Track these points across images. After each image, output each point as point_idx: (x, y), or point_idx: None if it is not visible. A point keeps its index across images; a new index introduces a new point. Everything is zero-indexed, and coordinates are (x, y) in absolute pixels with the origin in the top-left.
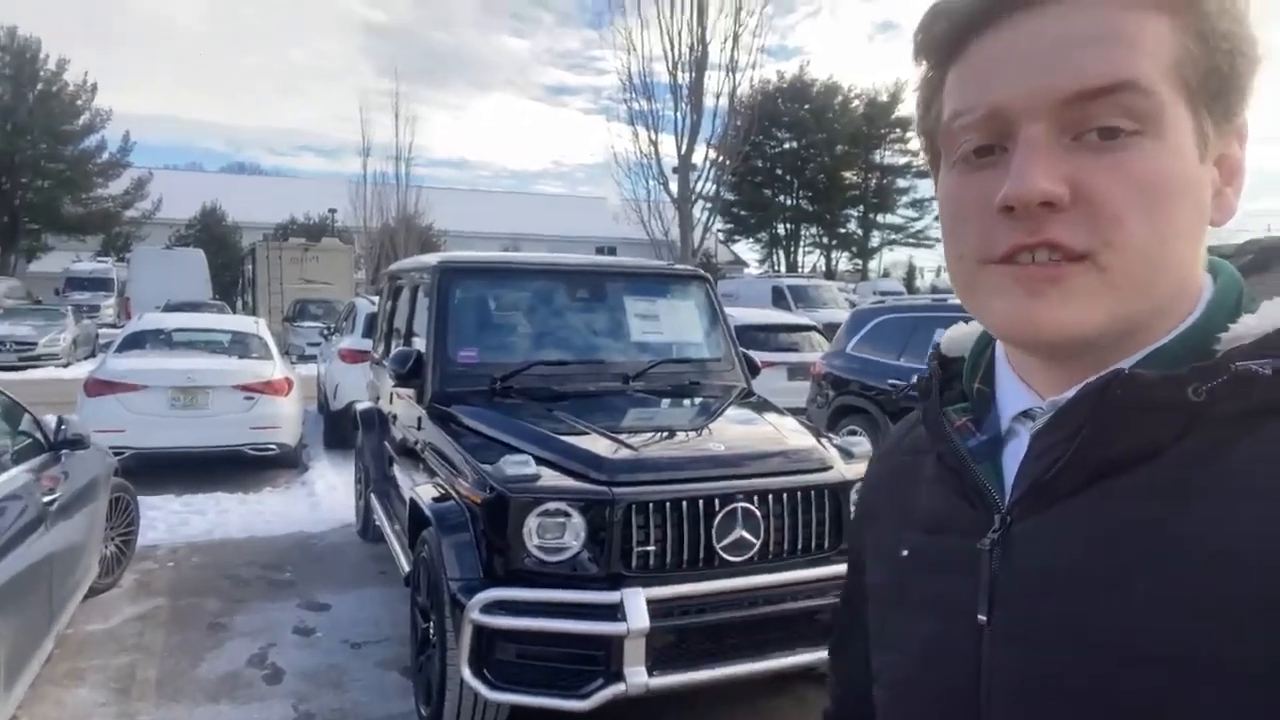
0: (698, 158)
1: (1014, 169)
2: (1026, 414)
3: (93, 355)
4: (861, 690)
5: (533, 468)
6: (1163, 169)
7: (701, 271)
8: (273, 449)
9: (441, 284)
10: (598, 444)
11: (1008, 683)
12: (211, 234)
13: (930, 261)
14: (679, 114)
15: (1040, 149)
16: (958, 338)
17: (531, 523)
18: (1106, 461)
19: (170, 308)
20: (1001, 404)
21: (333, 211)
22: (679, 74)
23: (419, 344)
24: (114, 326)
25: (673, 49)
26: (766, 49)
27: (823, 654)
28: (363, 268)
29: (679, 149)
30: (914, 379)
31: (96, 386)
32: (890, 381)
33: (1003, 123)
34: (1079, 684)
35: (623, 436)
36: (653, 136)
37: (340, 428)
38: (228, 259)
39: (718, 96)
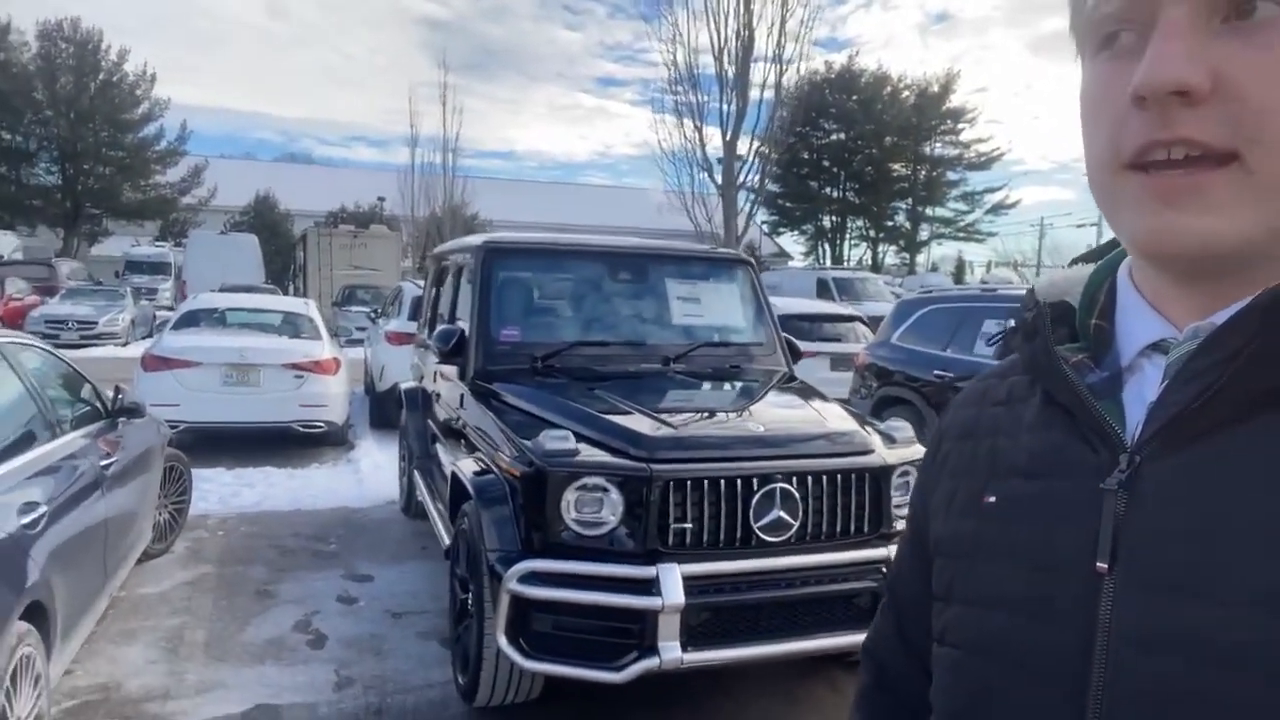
0: (742, 148)
1: (1148, 54)
2: (1157, 346)
3: (150, 335)
4: (913, 649)
5: (572, 442)
6: None
7: (744, 255)
8: (320, 426)
9: (485, 263)
10: (637, 421)
11: (1134, 636)
12: (264, 220)
13: (980, 256)
14: (724, 103)
15: (1179, 31)
16: (1057, 280)
17: (569, 496)
18: (1271, 391)
19: (224, 290)
20: (1124, 338)
21: (381, 200)
22: (725, 63)
23: (462, 324)
24: (170, 308)
25: (719, 36)
26: (817, 40)
27: (858, 637)
28: (409, 255)
29: (724, 137)
30: (1008, 324)
31: (153, 362)
32: (935, 372)
33: (1143, 8)
34: (1226, 640)
35: (663, 415)
36: (698, 124)
37: (385, 408)
38: (280, 245)
39: (763, 86)
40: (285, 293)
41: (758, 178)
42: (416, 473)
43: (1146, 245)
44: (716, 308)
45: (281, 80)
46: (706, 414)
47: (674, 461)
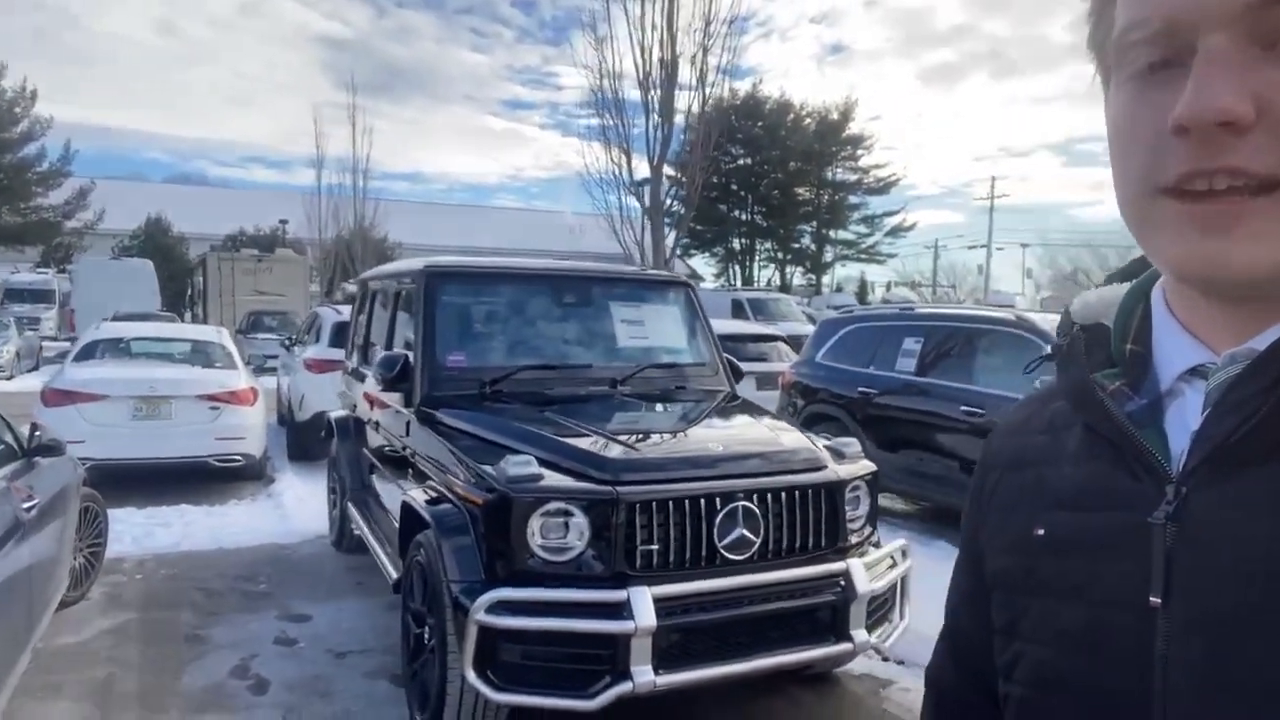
0: (667, 172)
1: (1191, 84)
2: (1195, 371)
3: (36, 368)
4: (969, 677)
5: (535, 468)
6: None
7: (685, 278)
8: (238, 460)
9: (429, 287)
10: (598, 444)
11: (1193, 672)
12: (156, 244)
13: (881, 276)
14: (649, 127)
15: (1221, 61)
16: (1091, 302)
17: (535, 523)
18: None
19: (118, 319)
20: (1161, 363)
21: (284, 223)
22: (650, 90)
23: (404, 350)
24: (54, 339)
25: (644, 63)
26: (722, 68)
27: (819, 651)
28: (317, 279)
29: (651, 162)
30: (1046, 350)
31: (55, 396)
32: (860, 389)
33: (1181, 35)
34: None
35: (622, 438)
36: (625, 149)
37: (305, 439)
38: (174, 270)
39: (687, 113)
40: (182, 320)
41: (680, 204)
42: (351, 505)
43: (1185, 272)
44: (659, 329)
45: (172, 99)
46: (664, 435)
47: (639, 483)
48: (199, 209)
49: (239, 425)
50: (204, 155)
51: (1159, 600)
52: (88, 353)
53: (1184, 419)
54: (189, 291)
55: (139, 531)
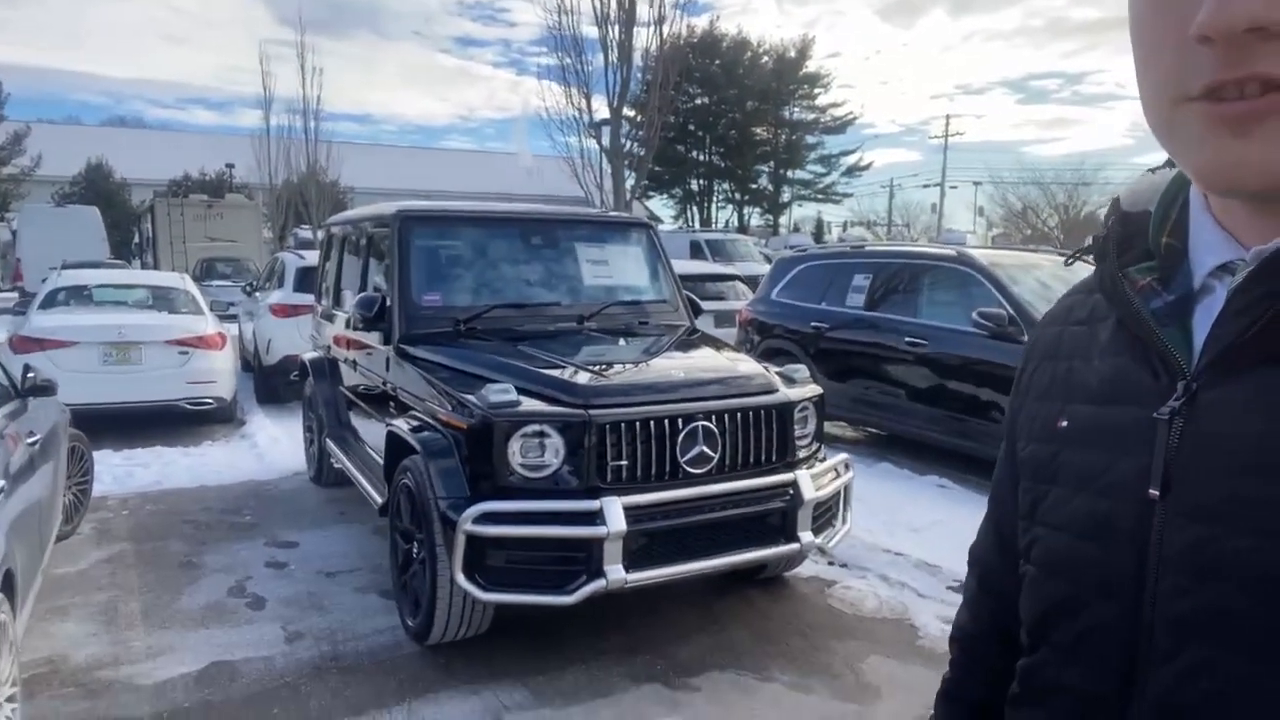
0: (625, 113)
1: None
2: (1225, 268)
3: None
4: (1013, 556)
5: (514, 394)
6: None
7: (646, 220)
8: (209, 403)
9: (403, 231)
10: (570, 373)
11: (1181, 564)
12: (98, 190)
13: (837, 216)
14: (608, 67)
15: None
16: (1141, 190)
17: (515, 444)
18: None
19: (68, 268)
20: (1195, 258)
21: (230, 167)
22: (608, 27)
23: (378, 292)
24: None
25: (602, 2)
26: (680, 3)
27: (769, 551)
28: (269, 225)
29: (610, 103)
30: (1088, 240)
31: (23, 344)
32: (813, 324)
33: None
34: (1266, 566)
35: (591, 366)
36: (584, 90)
37: (272, 383)
38: (117, 217)
39: (645, 51)
40: (131, 268)
41: (639, 145)
42: (329, 441)
43: (1212, 177)
44: (623, 269)
45: (103, 36)
46: (629, 364)
47: (609, 406)
48: (140, 153)
49: (209, 369)
50: (141, 96)
51: (1156, 493)
52: (51, 300)
53: (1210, 316)
54: (136, 238)
55: (119, 472)
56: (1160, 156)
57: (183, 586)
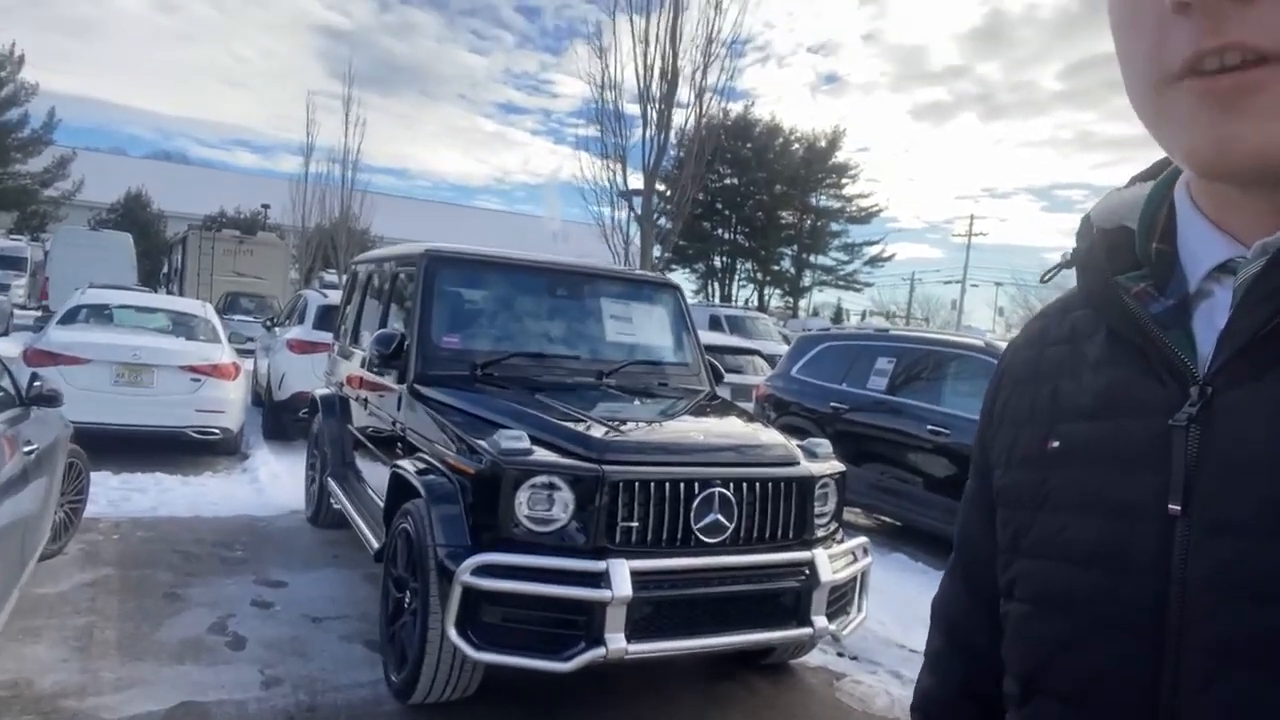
0: (658, 185)
1: None
2: (1224, 267)
3: (6, 333)
4: (985, 605)
5: (526, 442)
6: None
7: (673, 281)
8: (215, 434)
9: (429, 271)
10: (586, 426)
11: (1212, 580)
12: (134, 219)
13: (857, 304)
14: (645, 139)
15: None
16: (1114, 205)
17: (523, 494)
18: None
19: (94, 288)
20: (1188, 261)
21: (265, 207)
22: (649, 103)
23: (391, 329)
24: (24, 307)
25: (645, 76)
26: (718, 88)
27: (780, 634)
28: (296, 266)
29: (645, 171)
30: (1062, 256)
31: (38, 357)
32: (831, 404)
33: None
34: None
35: (608, 422)
36: (622, 157)
37: (280, 418)
38: (149, 246)
39: (680, 129)
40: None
41: (668, 218)
42: (331, 480)
43: (1205, 159)
44: (646, 328)
45: (161, 75)
46: (648, 423)
47: (624, 463)
48: (179, 188)
49: (219, 399)
50: (187, 134)
51: (1178, 508)
52: (71, 316)
53: (1212, 319)
54: (165, 268)
55: (115, 495)
56: None
57: (163, 618)
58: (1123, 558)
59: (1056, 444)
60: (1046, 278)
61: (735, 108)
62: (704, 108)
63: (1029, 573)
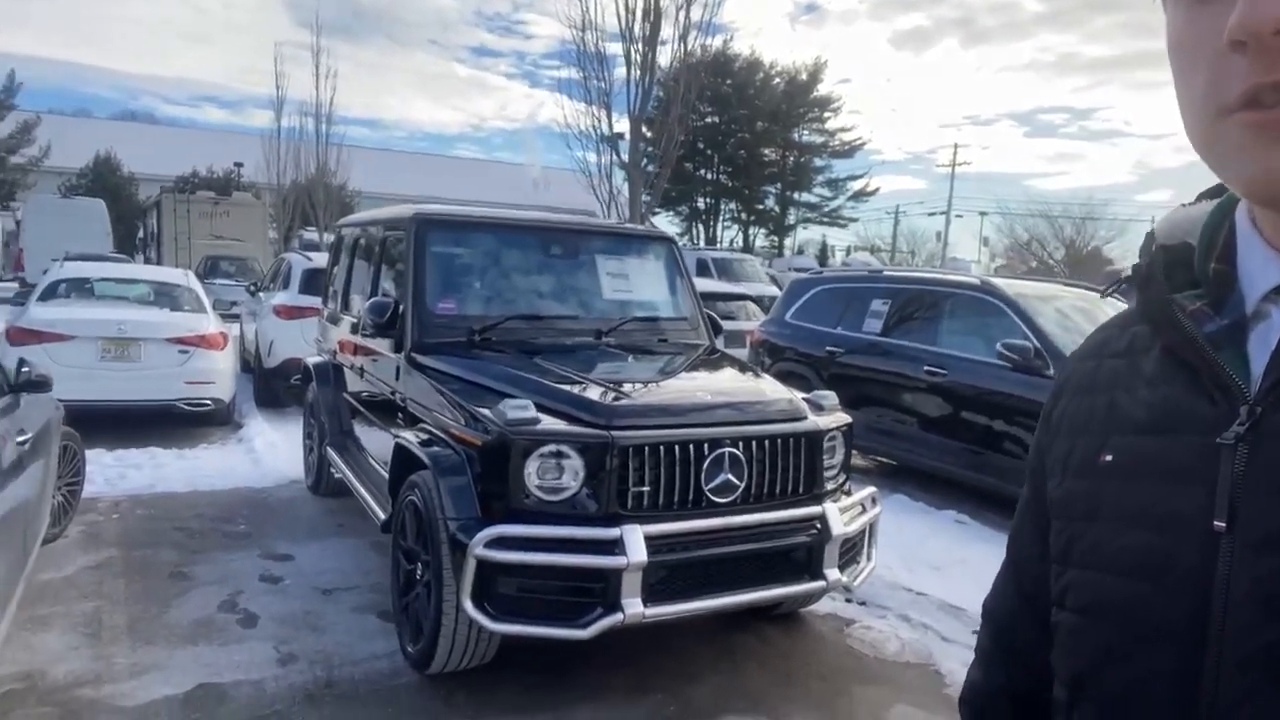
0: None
1: None
2: None
3: None
4: (1034, 609)
5: (533, 411)
6: None
7: (668, 234)
8: (207, 404)
9: (419, 235)
10: (591, 390)
11: (1255, 597)
12: (105, 184)
13: (842, 240)
14: (630, 82)
15: None
16: (1178, 220)
17: (532, 464)
18: None
19: (70, 259)
20: (1246, 282)
21: (239, 165)
22: (631, 44)
23: (390, 297)
24: None
25: (627, 16)
26: (701, 24)
27: (794, 589)
28: (274, 225)
29: (630, 116)
30: (1125, 271)
31: (20, 335)
32: (827, 348)
33: None
34: None
35: (613, 385)
36: (606, 102)
37: (272, 386)
38: (122, 211)
39: (665, 68)
40: (133, 262)
41: (654, 162)
42: (331, 450)
43: (1260, 188)
44: (642, 284)
45: (122, 32)
46: (653, 384)
47: (633, 428)
48: (149, 148)
49: (209, 369)
50: (153, 92)
51: (1223, 525)
52: (51, 291)
53: (1268, 340)
54: (140, 233)
55: (111, 473)
56: (1160, 192)
57: (171, 599)
58: (1168, 570)
59: (1110, 457)
60: (1108, 291)
61: (715, 43)
62: (688, 47)
63: (1079, 583)
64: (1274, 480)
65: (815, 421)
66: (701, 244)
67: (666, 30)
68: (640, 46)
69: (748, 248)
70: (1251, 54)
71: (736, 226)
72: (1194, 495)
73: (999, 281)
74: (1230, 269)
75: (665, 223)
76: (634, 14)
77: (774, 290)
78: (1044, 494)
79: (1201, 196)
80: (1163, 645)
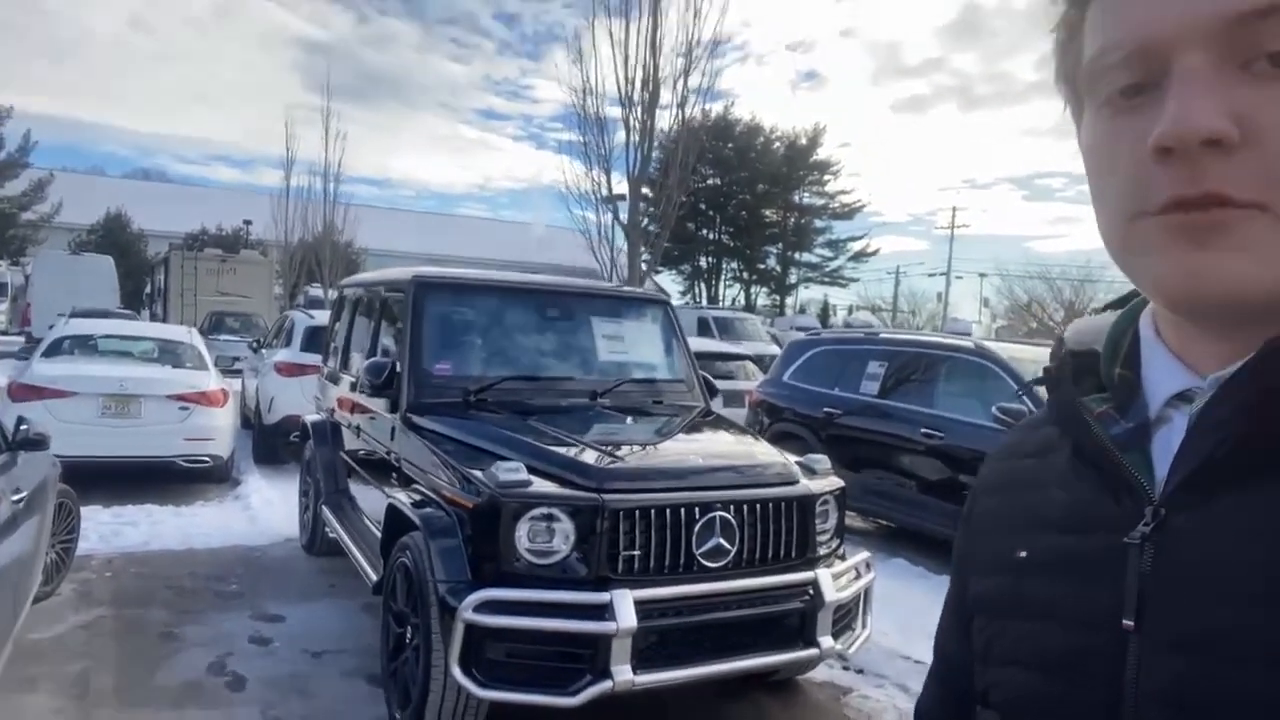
0: (640, 190)
1: (1171, 103)
2: (1182, 396)
3: None
4: (963, 711)
5: (524, 474)
6: None
7: (664, 296)
8: (206, 461)
9: (417, 297)
10: (583, 453)
11: (1163, 696)
12: (114, 240)
13: (843, 299)
14: (630, 146)
15: (1201, 79)
16: (1084, 329)
17: (523, 527)
18: None
19: (76, 315)
20: (1150, 388)
21: (248, 223)
22: (630, 109)
23: (383, 356)
24: (5, 333)
25: (626, 83)
26: (700, 91)
27: (787, 656)
28: (280, 282)
29: (630, 178)
30: (1038, 374)
31: (22, 391)
32: (825, 409)
33: (1154, 57)
34: (1259, 698)
35: (605, 447)
36: (606, 167)
37: (271, 442)
38: (131, 267)
39: (665, 133)
40: (140, 318)
41: (654, 222)
42: (325, 508)
43: (1171, 291)
44: (638, 345)
45: (137, 93)
46: (645, 446)
47: (624, 491)
48: (159, 206)
49: (208, 426)
50: (166, 151)
51: (1131, 623)
52: (56, 348)
53: (1170, 444)
54: (148, 289)
55: (106, 530)
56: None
57: (160, 660)
58: (1080, 669)
59: (1024, 553)
60: (1021, 391)
61: (716, 108)
62: (686, 113)
63: (1001, 680)
64: (1178, 580)
65: (807, 485)
66: (704, 302)
67: (666, 96)
68: (639, 113)
69: (749, 306)
70: (1177, 164)
71: (738, 285)
72: (1104, 594)
73: (993, 344)
74: (1134, 374)
75: (668, 281)
76: (634, 83)
77: (774, 349)
78: (965, 594)
79: (1106, 307)
80: None
